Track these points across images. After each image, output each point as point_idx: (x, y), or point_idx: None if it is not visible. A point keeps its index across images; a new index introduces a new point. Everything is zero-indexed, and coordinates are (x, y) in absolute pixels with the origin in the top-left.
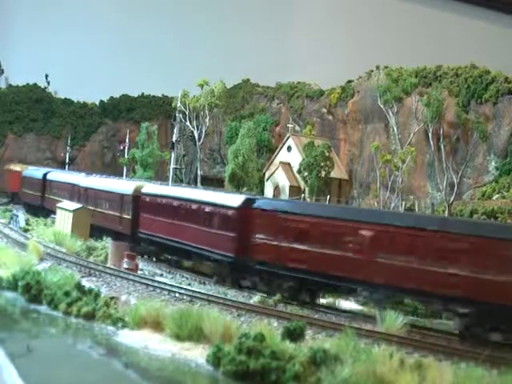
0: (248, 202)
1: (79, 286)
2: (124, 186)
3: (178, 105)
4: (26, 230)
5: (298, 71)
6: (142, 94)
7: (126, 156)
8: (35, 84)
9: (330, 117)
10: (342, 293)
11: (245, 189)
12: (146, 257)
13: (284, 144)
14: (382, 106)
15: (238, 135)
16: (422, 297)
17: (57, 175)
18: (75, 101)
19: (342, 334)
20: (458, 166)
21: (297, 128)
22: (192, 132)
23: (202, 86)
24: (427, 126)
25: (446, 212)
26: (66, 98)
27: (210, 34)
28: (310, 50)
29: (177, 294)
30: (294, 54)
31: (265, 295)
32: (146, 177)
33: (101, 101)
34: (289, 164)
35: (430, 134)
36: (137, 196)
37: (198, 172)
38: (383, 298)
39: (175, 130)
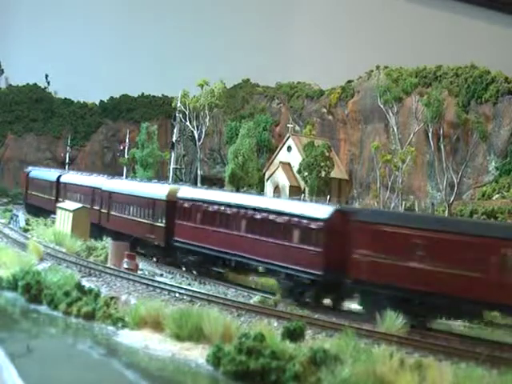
0: (339, 214)
1: (79, 286)
2: (155, 189)
3: (178, 105)
4: (25, 230)
5: (298, 71)
6: (142, 94)
7: (126, 156)
8: (35, 84)
9: (330, 117)
10: (464, 317)
11: (244, 189)
12: (184, 269)
13: (284, 144)
14: (382, 106)
15: (237, 135)
16: None
17: (73, 177)
18: (75, 101)
19: (342, 334)
20: (458, 166)
21: (297, 128)
22: (192, 132)
23: (201, 85)
24: (427, 126)
25: (446, 212)
26: (66, 98)
27: (210, 34)
28: (310, 50)
29: (177, 294)
30: (294, 54)
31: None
32: (146, 177)
33: (101, 101)
34: (289, 164)
35: (429, 134)
36: (171, 201)
37: (198, 172)
38: None
39: (175, 130)
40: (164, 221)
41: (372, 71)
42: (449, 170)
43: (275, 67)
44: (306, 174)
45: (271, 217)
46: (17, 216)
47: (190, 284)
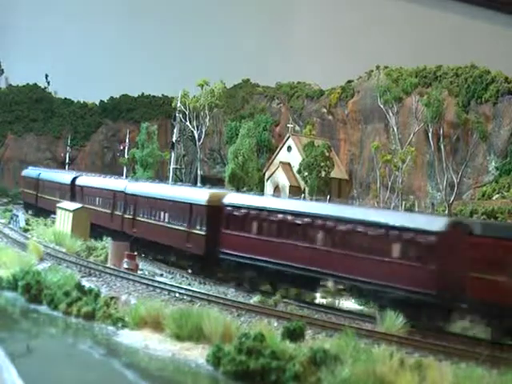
0: (457, 226)
1: (79, 286)
2: (192, 193)
3: (178, 105)
4: (26, 230)
5: (298, 71)
6: (142, 94)
7: (126, 156)
8: (35, 84)
9: (330, 117)
10: None
11: (245, 189)
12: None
13: (284, 144)
14: (382, 106)
15: (237, 135)
16: None
17: (90, 180)
18: (75, 101)
19: (342, 334)
20: (458, 166)
21: (297, 128)
22: (192, 132)
23: (201, 85)
24: (427, 126)
25: (446, 212)
26: (66, 98)
27: (210, 34)
28: (310, 50)
29: (177, 294)
30: (294, 54)
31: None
32: (146, 177)
33: (101, 101)
34: (289, 164)
35: (429, 134)
36: (214, 207)
37: (198, 172)
38: None
39: (175, 130)
40: (204, 228)
41: (372, 71)
42: (449, 170)
43: (275, 67)
44: (306, 174)
45: (359, 228)
46: (17, 216)
47: (190, 284)
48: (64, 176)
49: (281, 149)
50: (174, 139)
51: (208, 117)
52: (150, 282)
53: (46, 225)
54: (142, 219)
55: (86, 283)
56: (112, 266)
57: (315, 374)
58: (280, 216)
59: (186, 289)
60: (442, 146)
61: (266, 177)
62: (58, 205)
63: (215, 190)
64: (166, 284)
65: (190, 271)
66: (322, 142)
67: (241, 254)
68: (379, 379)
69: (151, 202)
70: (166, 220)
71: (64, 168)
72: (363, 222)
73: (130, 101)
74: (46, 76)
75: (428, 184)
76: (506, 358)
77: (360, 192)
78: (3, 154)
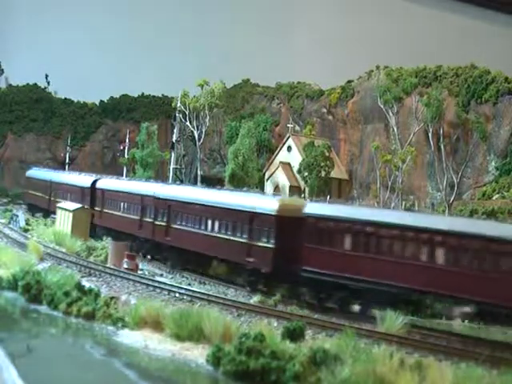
0: None
1: (79, 286)
2: (255, 201)
3: (178, 105)
4: (26, 230)
5: (298, 71)
6: (142, 94)
7: (126, 156)
8: (35, 84)
9: (330, 117)
10: None
11: (245, 189)
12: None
13: (284, 144)
14: (382, 106)
15: (238, 135)
16: None
17: (113, 183)
18: (75, 101)
19: (342, 334)
20: (458, 166)
21: (297, 128)
22: (192, 132)
23: (201, 86)
24: (427, 126)
25: (446, 212)
26: (66, 98)
27: (210, 34)
28: (310, 50)
29: (177, 294)
30: (294, 54)
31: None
32: (145, 177)
33: (101, 101)
34: (289, 164)
35: (429, 134)
36: (285, 217)
37: (198, 172)
38: None
39: (175, 130)
40: (273, 241)
41: (372, 71)
42: (449, 169)
43: (275, 67)
44: (306, 174)
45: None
46: (17, 216)
47: (189, 284)
48: (83, 178)
49: (281, 149)
50: (174, 139)
51: (208, 117)
52: (150, 282)
53: (46, 225)
54: (180, 227)
55: (86, 283)
56: (112, 266)
57: (315, 374)
58: (384, 230)
59: (186, 289)
60: (442, 146)
61: (266, 177)
62: (58, 205)
63: (282, 197)
64: (166, 284)
65: (248, 289)
66: (322, 142)
67: (335, 273)
68: (379, 379)
69: (193, 209)
70: (216, 229)
71: (64, 168)
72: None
73: (130, 101)
74: (46, 76)
75: (428, 184)
76: (506, 358)
77: (360, 192)
78: (3, 154)
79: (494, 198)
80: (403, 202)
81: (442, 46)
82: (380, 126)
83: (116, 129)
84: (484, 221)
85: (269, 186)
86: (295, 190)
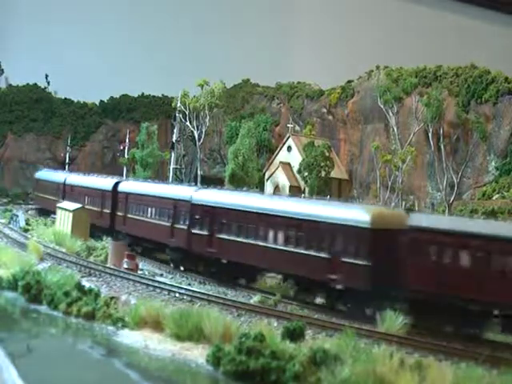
0: None
1: (79, 286)
2: (333, 211)
3: (178, 105)
4: (26, 230)
5: (298, 71)
6: (142, 94)
7: (126, 156)
8: (35, 84)
9: (330, 117)
10: None
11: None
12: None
13: (284, 144)
14: (382, 106)
15: (238, 135)
16: None
17: (138, 186)
18: (75, 101)
19: (342, 334)
20: (458, 166)
21: (297, 128)
22: (192, 132)
23: (201, 85)
24: (427, 126)
25: (446, 212)
26: (66, 98)
27: (210, 34)
28: (310, 50)
29: (177, 294)
30: (294, 54)
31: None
32: (145, 177)
33: (101, 101)
34: (289, 164)
35: (429, 134)
36: (382, 230)
37: (198, 172)
38: None
39: (175, 130)
40: (368, 257)
41: (372, 71)
42: (449, 169)
43: (275, 67)
44: (306, 174)
45: None
46: (17, 216)
47: (189, 284)
48: (103, 181)
49: (281, 149)
50: (174, 139)
51: (208, 117)
52: (150, 282)
53: (45, 225)
54: (228, 237)
55: (86, 283)
56: (112, 266)
57: (315, 374)
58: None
59: (186, 289)
60: (442, 146)
61: (266, 177)
62: (58, 205)
63: (382, 208)
64: (166, 284)
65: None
66: (322, 142)
67: (444, 293)
68: (379, 379)
69: (244, 217)
70: (280, 241)
71: (64, 168)
72: None
73: (130, 101)
74: (46, 76)
75: (428, 184)
76: (506, 358)
77: (360, 192)
78: (3, 154)
79: (494, 198)
80: (403, 202)
81: (442, 46)
82: (380, 126)
83: (116, 129)
84: None
85: (269, 186)
86: (295, 189)
